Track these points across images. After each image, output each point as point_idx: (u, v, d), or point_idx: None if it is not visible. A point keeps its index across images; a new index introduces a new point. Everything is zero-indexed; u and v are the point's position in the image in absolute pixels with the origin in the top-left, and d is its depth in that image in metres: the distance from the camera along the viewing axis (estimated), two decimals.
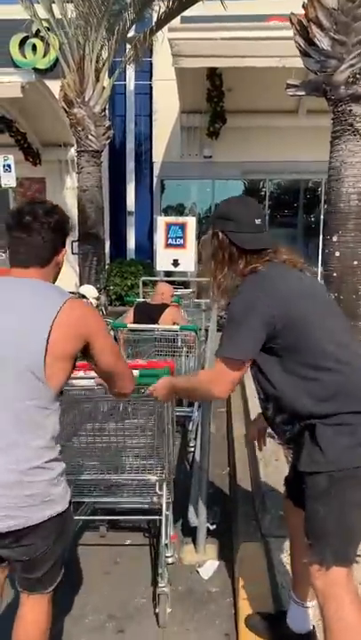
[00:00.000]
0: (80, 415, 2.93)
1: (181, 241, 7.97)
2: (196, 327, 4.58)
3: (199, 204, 13.56)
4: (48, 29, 9.50)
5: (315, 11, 5.44)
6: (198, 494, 3.16)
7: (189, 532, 3.27)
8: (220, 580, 2.92)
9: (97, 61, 9.09)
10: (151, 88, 13.04)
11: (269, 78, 9.73)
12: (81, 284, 9.04)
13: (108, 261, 12.67)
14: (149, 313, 5.27)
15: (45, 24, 9.37)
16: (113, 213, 13.20)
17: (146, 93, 13.15)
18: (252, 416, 4.63)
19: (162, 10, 9.17)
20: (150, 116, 13.11)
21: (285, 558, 2.78)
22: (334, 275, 5.71)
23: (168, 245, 8.04)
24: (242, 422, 5.00)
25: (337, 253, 5.65)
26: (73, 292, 7.68)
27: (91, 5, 8.45)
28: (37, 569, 1.89)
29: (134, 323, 5.15)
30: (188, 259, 8.01)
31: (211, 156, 12.62)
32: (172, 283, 7.86)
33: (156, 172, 13.14)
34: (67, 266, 9.09)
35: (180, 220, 8.36)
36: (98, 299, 8.07)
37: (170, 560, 2.87)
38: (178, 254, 8.00)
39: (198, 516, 3.13)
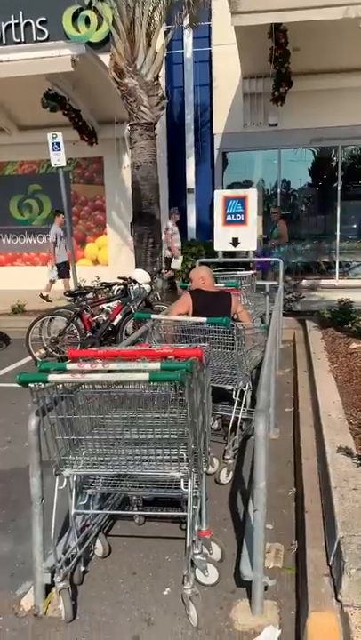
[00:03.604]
0: (101, 408, 2.79)
1: (242, 217, 7.12)
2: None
3: (265, 176, 12.63)
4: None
5: None
6: (252, 539, 2.46)
7: (243, 582, 2.59)
8: None
9: (148, 25, 8.37)
10: (210, 54, 12.13)
11: (340, 33, 8.68)
12: (137, 267, 8.46)
13: None
14: (212, 303, 4.51)
15: None
16: (173, 191, 12.50)
17: (205, 61, 12.25)
18: (324, 419, 3.88)
19: None
20: (210, 84, 12.23)
21: None
22: None
23: (227, 222, 7.23)
24: (311, 426, 4.24)
25: None
26: (124, 278, 7.12)
27: None
28: None
29: (195, 314, 4.41)
30: (248, 236, 7.17)
31: (276, 124, 11.64)
32: (233, 265, 7.10)
33: (216, 144, 12.29)
34: (127, 248, 8.48)
35: (240, 193, 7.50)
36: (152, 283, 7.46)
37: (198, 557, 2.64)
38: (238, 232, 7.18)
39: (253, 568, 2.45)
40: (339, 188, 12.13)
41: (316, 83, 10.96)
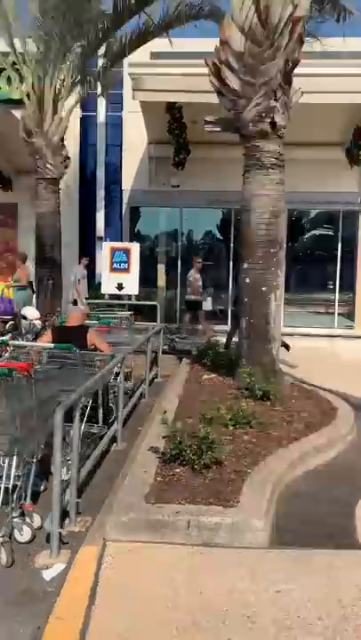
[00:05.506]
0: None
1: (126, 265, 8.27)
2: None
3: (169, 231, 13.96)
4: (14, 63, 9.99)
5: (225, 54, 5.84)
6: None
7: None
8: (61, 582, 3.11)
9: (56, 94, 9.54)
10: (121, 119, 13.52)
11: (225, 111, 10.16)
12: (37, 306, 9.31)
13: None
14: (68, 335, 5.50)
15: (13, 58, 9.86)
16: (83, 239, 13.58)
17: (117, 124, 13.64)
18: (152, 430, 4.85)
19: (115, 48, 9.67)
20: (121, 145, 13.57)
21: (111, 560, 2.98)
22: (245, 300, 5.99)
23: (113, 269, 8.35)
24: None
25: (247, 280, 5.93)
26: (15, 314, 7.98)
27: (48, 45, 8.93)
28: None
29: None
30: (132, 282, 8.30)
31: (178, 185, 12.99)
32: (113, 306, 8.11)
33: (125, 199, 13.54)
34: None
35: (125, 245, 8.69)
36: (45, 320, 8.33)
37: (16, 520, 3.49)
38: (122, 278, 8.31)
39: (52, 523, 3.34)
40: (232, 245, 13.57)
41: (212, 151, 12.45)
